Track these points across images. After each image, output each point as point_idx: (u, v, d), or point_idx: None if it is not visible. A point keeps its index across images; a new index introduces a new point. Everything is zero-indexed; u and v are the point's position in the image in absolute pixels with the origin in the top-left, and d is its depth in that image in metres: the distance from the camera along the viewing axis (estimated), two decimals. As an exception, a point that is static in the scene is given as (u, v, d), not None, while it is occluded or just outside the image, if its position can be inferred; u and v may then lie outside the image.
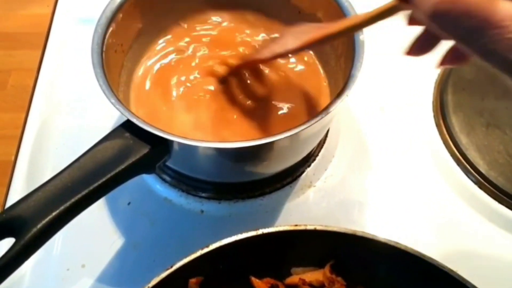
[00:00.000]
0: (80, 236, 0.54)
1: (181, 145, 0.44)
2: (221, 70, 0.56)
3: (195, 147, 0.45)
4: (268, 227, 0.56)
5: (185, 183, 0.57)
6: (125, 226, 0.56)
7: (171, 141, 0.44)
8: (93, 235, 0.55)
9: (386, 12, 0.39)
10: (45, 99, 0.65)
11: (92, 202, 0.42)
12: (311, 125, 0.44)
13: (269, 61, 0.55)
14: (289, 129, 0.44)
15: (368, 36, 0.50)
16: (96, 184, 0.41)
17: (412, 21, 0.37)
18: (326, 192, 0.58)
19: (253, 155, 0.48)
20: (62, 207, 0.39)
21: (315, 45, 0.48)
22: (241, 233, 0.46)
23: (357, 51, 0.49)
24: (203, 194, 0.57)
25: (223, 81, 0.56)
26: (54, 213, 0.39)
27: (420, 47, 0.39)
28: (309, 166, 0.59)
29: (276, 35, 0.58)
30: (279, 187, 0.58)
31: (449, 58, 0.39)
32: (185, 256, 0.44)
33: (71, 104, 0.65)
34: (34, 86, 0.66)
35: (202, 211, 0.57)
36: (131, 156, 0.44)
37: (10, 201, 0.57)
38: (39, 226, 0.38)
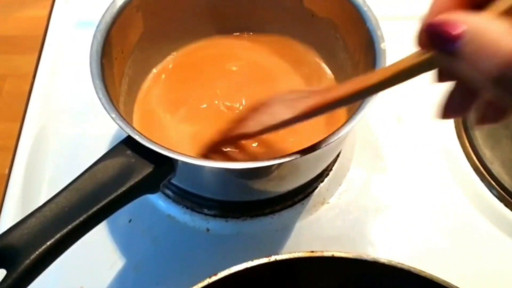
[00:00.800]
0: (78, 256, 0.49)
1: (187, 164, 0.41)
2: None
3: (202, 167, 0.42)
4: (278, 247, 0.53)
5: (190, 199, 0.54)
6: (126, 246, 0.52)
7: (177, 160, 0.41)
8: (92, 255, 0.51)
9: (415, 69, 0.29)
10: (41, 107, 0.61)
11: (91, 228, 0.38)
12: (330, 143, 0.41)
13: (255, 136, 0.44)
14: (307, 148, 0.40)
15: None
16: (95, 208, 0.38)
17: (444, 77, 0.30)
18: (340, 209, 0.54)
19: (266, 175, 0.45)
20: (58, 235, 0.36)
21: (316, 114, 0.39)
22: (252, 259, 0.42)
23: (378, 61, 0.45)
24: (209, 212, 0.53)
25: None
26: (49, 242, 0.35)
27: (456, 107, 0.31)
28: (322, 181, 0.56)
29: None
30: (290, 204, 0.54)
31: (491, 115, 0.30)
32: (192, 286, 0.41)
33: (69, 111, 0.61)
34: (29, 93, 0.62)
35: (207, 230, 0.53)
36: (133, 176, 0.40)
37: (4, 216, 0.54)
38: (32, 257, 0.34)
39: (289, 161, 0.40)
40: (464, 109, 0.30)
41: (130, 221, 0.53)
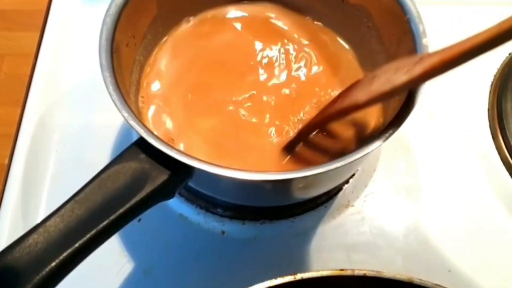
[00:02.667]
0: (84, 260, 0.46)
1: (208, 173, 0.36)
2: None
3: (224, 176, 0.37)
4: (299, 254, 0.49)
5: (204, 199, 0.50)
6: (135, 248, 0.49)
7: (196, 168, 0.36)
8: (98, 259, 0.45)
9: None
10: (44, 91, 0.57)
11: (100, 244, 0.35)
12: (364, 155, 0.36)
13: (368, 105, 0.40)
14: (340, 159, 0.36)
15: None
16: (105, 222, 0.34)
17: None
18: (366, 213, 0.51)
19: (293, 185, 0.41)
20: (63, 255, 0.32)
21: (437, 74, 0.35)
22: (275, 277, 0.38)
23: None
24: (225, 213, 0.50)
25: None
26: (53, 264, 0.31)
27: None
28: (347, 182, 0.51)
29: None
30: (312, 207, 0.50)
31: None
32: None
33: (74, 97, 0.57)
34: (31, 75, 0.57)
35: (223, 232, 0.49)
36: (147, 184, 0.36)
37: (3, 212, 0.50)
38: (34, 281, 0.31)
39: (321, 172, 0.36)
40: None
41: (139, 220, 0.49)
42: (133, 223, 0.48)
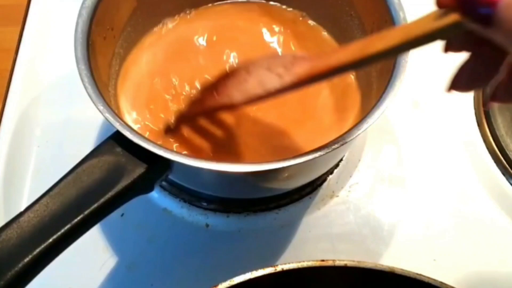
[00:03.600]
0: (66, 255, 0.45)
1: (185, 165, 0.36)
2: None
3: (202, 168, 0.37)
4: (283, 246, 0.49)
5: (188, 192, 0.49)
6: (118, 243, 0.48)
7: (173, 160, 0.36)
8: (81, 254, 0.47)
9: (433, 35, 0.26)
10: (25, 86, 0.56)
11: (76, 238, 0.34)
12: (345, 142, 0.36)
13: (240, 106, 0.39)
14: (320, 147, 0.36)
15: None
16: (80, 217, 0.33)
17: (452, 47, 0.28)
18: (350, 203, 0.50)
19: (273, 176, 0.40)
20: (36, 251, 0.32)
21: (312, 82, 0.34)
22: (255, 267, 0.38)
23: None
24: (209, 206, 0.49)
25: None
26: (26, 260, 0.31)
27: (471, 79, 0.28)
28: (331, 172, 0.51)
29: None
30: (296, 198, 0.50)
31: (503, 94, 0.28)
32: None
33: (56, 92, 0.56)
34: (12, 70, 0.56)
35: (207, 225, 0.49)
36: (123, 177, 0.36)
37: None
38: (7, 277, 0.30)
39: (302, 162, 0.35)
40: (477, 83, 0.28)
41: (122, 215, 0.49)
42: (117, 218, 0.49)
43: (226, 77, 0.40)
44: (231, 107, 0.39)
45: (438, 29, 0.25)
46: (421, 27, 0.26)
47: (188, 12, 0.53)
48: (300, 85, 0.35)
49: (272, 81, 0.36)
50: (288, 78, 0.35)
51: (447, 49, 0.28)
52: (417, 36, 0.26)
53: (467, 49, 0.28)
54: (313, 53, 0.36)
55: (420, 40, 0.27)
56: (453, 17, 0.24)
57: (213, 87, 0.41)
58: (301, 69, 0.34)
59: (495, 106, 0.53)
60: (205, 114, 0.44)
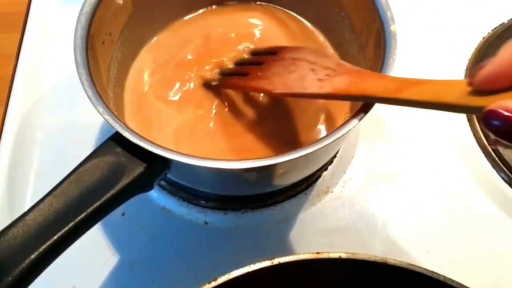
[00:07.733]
0: (69, 254, 0.47)
1: (182, 164, 0.37)
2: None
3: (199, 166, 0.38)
4: (280, 241, 0.50)
5: (186, 191, 0.51)
6: (120, 241, 0.50)
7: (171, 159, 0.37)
8: (84, 253, 0.48)
9: (462, 108, 0.29)
10: (26, 91, 0.57)
11: (79, 236, 0.36)
12: (338, 137, 0.37)
13: (278, 97, 0.44)
14: (314, 143, 0.37)
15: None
16: (83, 215, 0.35)
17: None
18: (345, 199, 0.52)
19: (269, 171, 0.41)
20: (42, 248, 0.33)
21: (343, 99, 0.39)
22: (253, 261, 0.39)
23: (388, 45, 0.41)
24: (207, 204, 0.51)
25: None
26: (32, 256, 0.32)
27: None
28: (325, 169, 0.52)
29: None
30: (292, 194, 0.51)
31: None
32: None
33: (57, 96, 0.57)
34: (13, 76, 0.58)
35: (206, 223, 0.50)
36: (124, 177, 0.37)
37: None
38: (14, 273, 0.32)
39: (295, 158, 0.36)
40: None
41: (123, 214, 0.50)
42: (117, 217, 0.50)
43: (272, 60, 0.43)
44: (269, 94, 0.43)
45: (470, 107, 0.27)
46: (454, 97, 0.28)
47: (184, 16, 0.54)
48: (333, 98, 0.38)
49: (313, 85, 0.38)
50: (327, 89, 0.37)
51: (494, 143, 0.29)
52: (449, 103, 0.29)
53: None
54: (354, 67, 0.39)
55: (452, 107, 0.29)
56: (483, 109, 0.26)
57: (258, 63, 0.43)
58: (341, 84, 0.37)
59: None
60: (241, 89, 0.47)
